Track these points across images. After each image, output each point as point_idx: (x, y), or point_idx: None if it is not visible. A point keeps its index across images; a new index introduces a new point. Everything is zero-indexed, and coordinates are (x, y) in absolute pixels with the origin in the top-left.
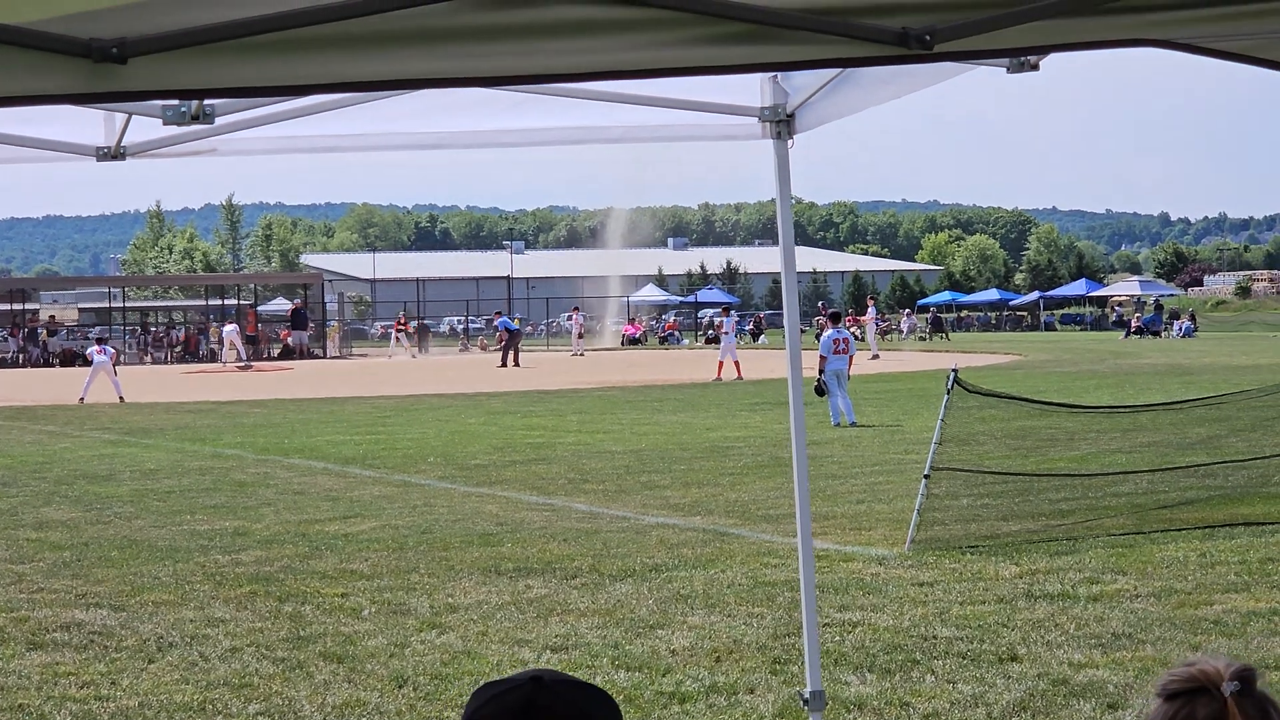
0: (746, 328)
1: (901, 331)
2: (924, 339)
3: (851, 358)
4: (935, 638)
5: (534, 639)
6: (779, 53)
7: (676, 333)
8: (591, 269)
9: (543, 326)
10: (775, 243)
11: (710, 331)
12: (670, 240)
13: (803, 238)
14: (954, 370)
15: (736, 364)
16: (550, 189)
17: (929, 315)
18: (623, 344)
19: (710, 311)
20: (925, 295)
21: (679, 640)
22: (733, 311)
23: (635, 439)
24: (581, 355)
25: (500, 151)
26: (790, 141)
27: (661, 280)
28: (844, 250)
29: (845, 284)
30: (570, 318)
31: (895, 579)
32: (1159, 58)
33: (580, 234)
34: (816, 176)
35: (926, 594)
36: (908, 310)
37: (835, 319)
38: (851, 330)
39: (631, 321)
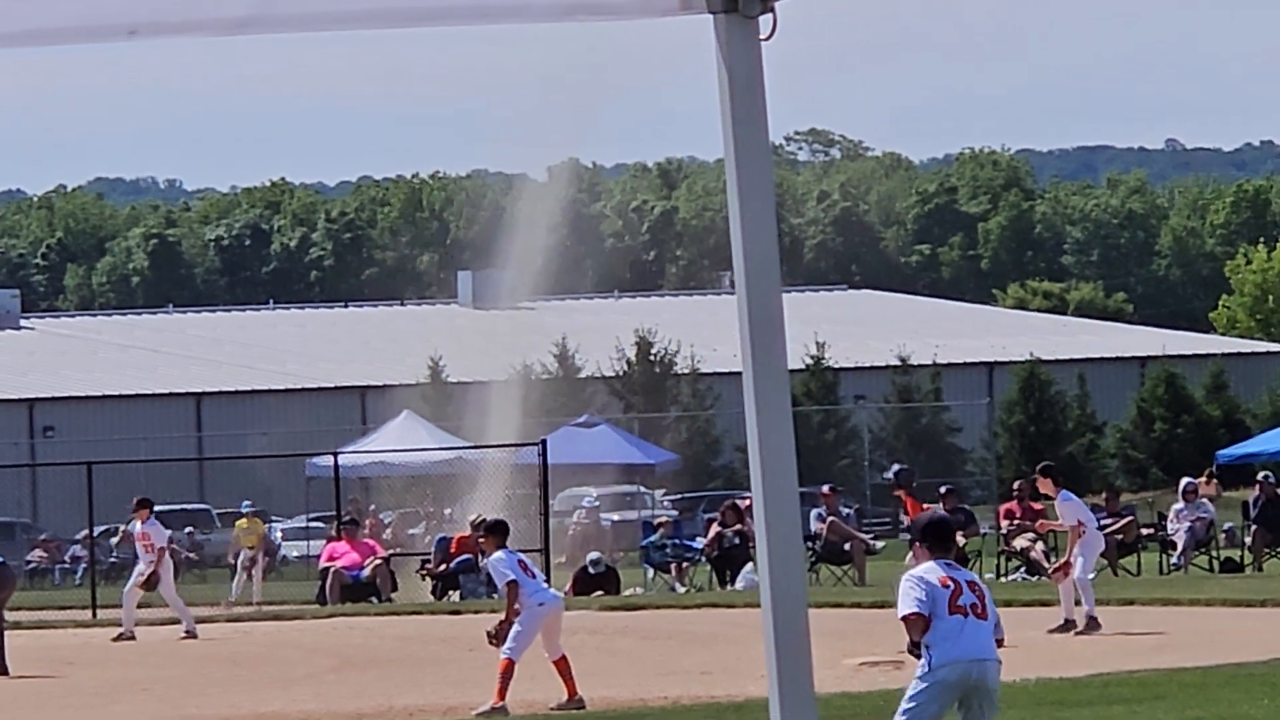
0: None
1: (1173, 544)
2: (1235, 564)
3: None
4: None
5: None
6: None
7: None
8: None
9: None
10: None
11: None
12: (467, 277)
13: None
14: None
15: None
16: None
17: (1257, 492)
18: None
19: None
20: (1244, 432)
21: None
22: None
23: None
24: (189, 635)
25: None
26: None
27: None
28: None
29: (1006, 386)
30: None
31: None
32: None
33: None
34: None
35: None
36: (1190, 482)
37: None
38: (1017, 531)
39: (344, 530)
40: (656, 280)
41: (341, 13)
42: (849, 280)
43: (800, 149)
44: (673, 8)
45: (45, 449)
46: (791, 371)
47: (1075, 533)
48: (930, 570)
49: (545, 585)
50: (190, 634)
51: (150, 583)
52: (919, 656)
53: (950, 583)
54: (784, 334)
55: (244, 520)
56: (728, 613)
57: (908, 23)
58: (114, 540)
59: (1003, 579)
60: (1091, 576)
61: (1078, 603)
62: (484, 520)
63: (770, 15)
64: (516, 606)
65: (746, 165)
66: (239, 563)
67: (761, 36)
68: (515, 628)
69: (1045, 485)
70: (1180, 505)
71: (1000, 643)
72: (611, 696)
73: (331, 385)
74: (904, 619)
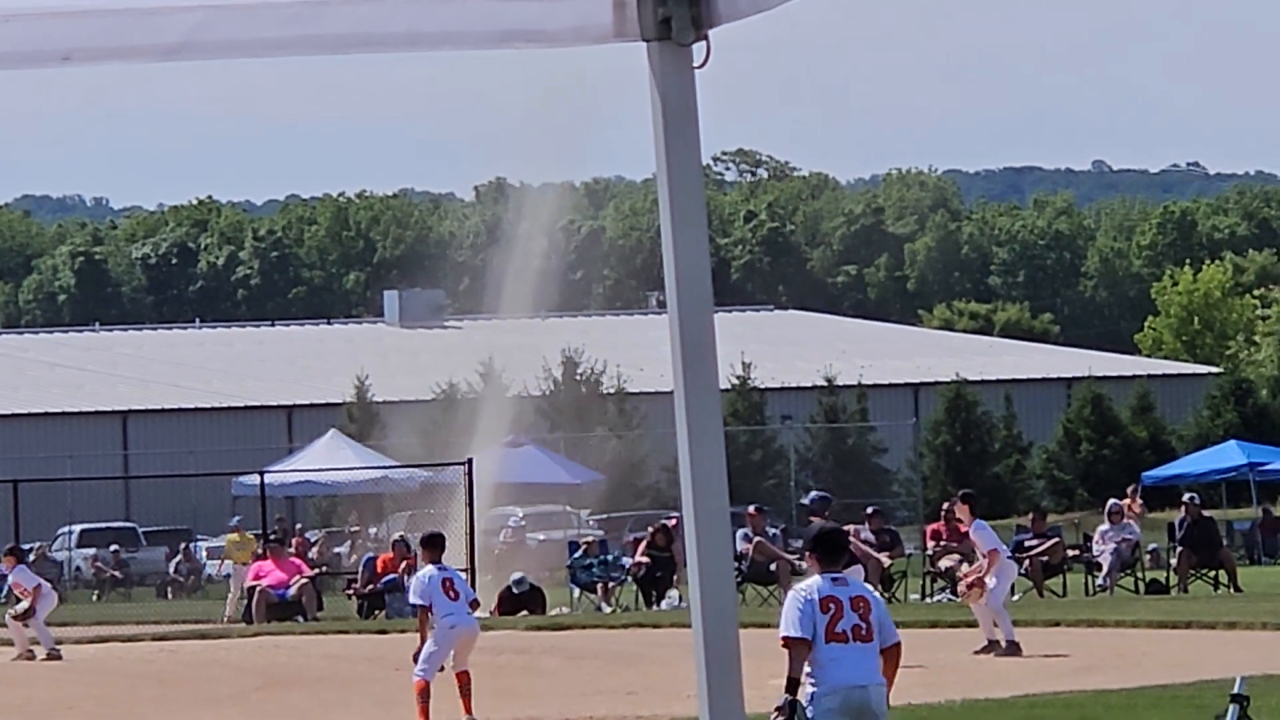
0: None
1: (1099, 566)
2: (1160, 585)
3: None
4: None
5: None
6: None
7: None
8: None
9: None
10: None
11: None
12: (393, 296)
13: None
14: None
15: None
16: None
17: (1183, 514)
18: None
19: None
20: (1170, 454)
21: None
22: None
23: None
24: (35, 657)
25: None
26: (701, 54)
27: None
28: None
29: (932, 407)
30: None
31: None
32: None
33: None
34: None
35: None
36: (1115, 503)
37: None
38: (943, 552)
39: (270, 548)
40: (583, 300)
41: (274, 40)
42: (775, 300)
43: (728, 169)
44: (607, 35)
45: None
46: None
47: (993, 557)
48: (815, 588)
49: (466, 609)
50: (54, 655)
51: (25, 616)
52: (793, 693)
53: (832, 605)
54: (716, 354)
55: (235, 535)
56: (654, 633)
57: (836, 44)
58: None
59: (928, 600)
60: (1016, 599)
61: (996, 624)
62: (404, 539)
63: (704, 43)
64: (428, 629)
65: (679, 191)
66: (232, 580)
67: (695, 64)
68: (428, 647)
69: (963, 511)
70: (1106, 526)
71: (897, 648)
72: (537, 716)
73: (258, 404)
74: (785, 642)
